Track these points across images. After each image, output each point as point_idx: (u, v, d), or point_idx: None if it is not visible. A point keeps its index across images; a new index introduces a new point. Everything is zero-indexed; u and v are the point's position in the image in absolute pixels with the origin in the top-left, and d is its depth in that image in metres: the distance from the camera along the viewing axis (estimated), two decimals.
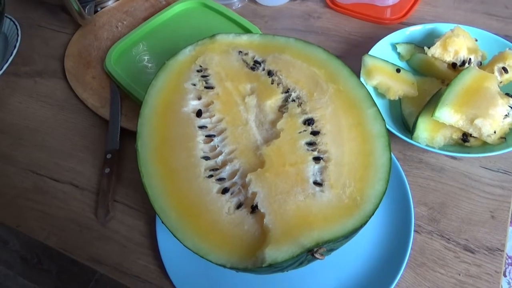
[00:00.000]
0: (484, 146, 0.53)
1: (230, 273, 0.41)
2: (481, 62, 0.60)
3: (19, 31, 0.75)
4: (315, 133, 0.44)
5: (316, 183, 0.41)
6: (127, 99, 0.65)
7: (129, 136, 0.61)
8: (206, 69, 0.51)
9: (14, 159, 0.63)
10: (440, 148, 0.53)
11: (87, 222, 0.55)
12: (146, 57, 0.70)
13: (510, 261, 0.90)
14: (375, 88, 0.61)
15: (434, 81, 0.61)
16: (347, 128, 0.43)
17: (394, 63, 0.63)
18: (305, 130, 0.44)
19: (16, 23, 0.76)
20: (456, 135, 0.54)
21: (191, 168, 0.43)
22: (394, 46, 0.65)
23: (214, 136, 0.45)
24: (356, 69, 0.60)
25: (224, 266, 0.38)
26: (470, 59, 0.59)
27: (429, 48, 0.60)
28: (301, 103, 0.46)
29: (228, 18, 0.73)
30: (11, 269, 1.36)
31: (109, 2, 0.83)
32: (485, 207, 0.51)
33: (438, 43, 0.60)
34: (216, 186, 0.42)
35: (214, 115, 0.47)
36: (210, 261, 0.38)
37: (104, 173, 0.57)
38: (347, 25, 0.75)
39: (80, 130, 0.65)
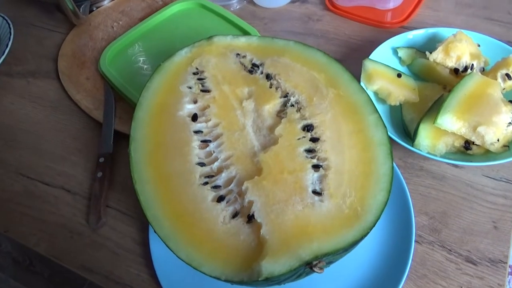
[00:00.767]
0: (487, 154, 0.52)
1: (225, 285, 0.40)
2: (483, 68, 0.59)
3: (11, 30, 0.73)
4: (314, 139, 0.42)
5: (315, 192, 0.39)
6: (121, 101, 0.64)
7: (123, 139, 0.60)
8: (202, 71, 0.50)
9: (5, 162, 0.61)
10: (441, 156, 0.52)
11: (79, 228, 0.53)
12: (142, 58, 0.68)
13: (511, 270, 0.89)
14: (376, 93, 0.59)
15: (435, 86, 0.60)
16: (347, 134, 0.42)
17: (395, 67, 0.61)
18: (304, 137, 0.42)
19: (9, 21, 0.75)
20: (458, 143, 0.53)
21: (185, 175, 0.41)
22: (395, 51, 0.64)
23: (210, 141, 0.44)
24: (355, 74, 0.58)
25: (219, 279, 0.36)
26: (472, 65, 0.58)
27: (431, 53, 0.59)
28: (300, 108, 0.45)
29: (226, 19, 0.72)
30: (3, 271, 1.34)
31: (105, 2, 0.82)
32: (487, 217, 0.50)
33: (440, 48, 0.59)
34: (211, 194, 0.40)
35: (210, 120, 0.45)
36: (204, 273, 0.36)
37: (96, 178, 0.56)
38: (347, 28, 0.74)
39: (73, 133, 0.63)
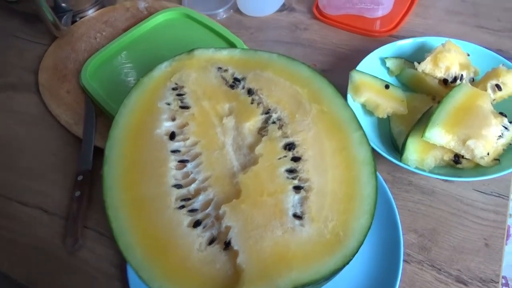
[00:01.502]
0: (477, 168, 0.51)
1: None
2: (473, 79, 0.58)
3: None
4: (296, 159, 0.40)
5: (296, 215, 0.37)
6: (102, 116, 0.62)
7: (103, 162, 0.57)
8: (182, 87, 0.48)
9: None
10: (430, 171, 0.50)
11: (55, 251, 0.51)
12: (125, 70, 0.66)
13: (504, 281, 0.87)
14: (363, 105, 0.58)
15: (424, 97, 0.59)
16: (330, 153, 0.40)
17: (383, 78, 0.60)
18: (285, 156, 0.41)
19: None
20: (448, 157, 0.51)
21: (160, 198, 0.39)
22: (383, 61, 0.62)
23: (188, 161, 0.42)
24: (343, 83, 0.57)
25: None
26: (462, 75, 0.57)
27: (419, 63, 0.58)
28: (282, 125, 0.43)
29: (211, 29, 0.70)
30: None
31: (89, 12, 0.80)
32: (478, 234, 0.48)
33: (428, 59, 0.57)
34: (187, 219, 0.38)
35: (188, 138, 0.44)
36: None
37: (74, 197, 0.54)
38: (334, 37, 0.72)
39: (52, 149, 0.61)
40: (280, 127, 0.43)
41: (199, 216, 0.39)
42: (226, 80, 0.49)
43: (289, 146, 0.41)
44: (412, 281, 0.46)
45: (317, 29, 0.74)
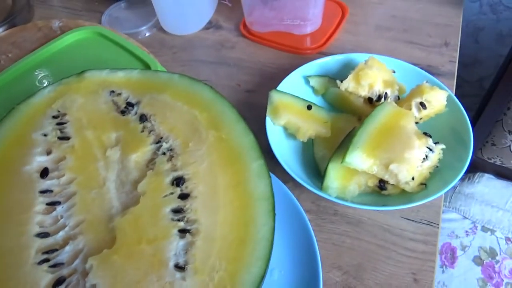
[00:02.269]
0: (404, 194, 0.47)
1: None
2: (398, 97, 0.54)
3: None
4: (183, 196, 0.34)
5: (177, 266, 0.31)
6: None
7: None
8: (64, 114, 0.41)
9: None
10: (353, 199, 0.46)
11: None
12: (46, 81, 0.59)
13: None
14: (284, 128, 0.53)
15: (350, 118, 0.55)
16: (223, 189, 0.35)
17: (308, 98, 0.56)
18: (172, 193, 0.35)
19: None
20: (372, 182, 0.47)
21: (18, 252, 0.32)
22: (307, 80, 0.58)
23: (59, 203, 0.35)
24: (266, 104, 0.52)
25: None
26: (386, 93, 0.53)
27: (341, 81, 0.54)
28: (172, 156, 0.37)
29: (125, 49, 0.64)
30: None
31: None
32: (406, 268, 0.44)
33: (350, 76, 0.53)
34: (47, 277, 0.31)
35: (63, 175, 0.37)
36: None
37: None
38: (261, 56, 0.68)
39: None
40: (170, 159, 0.37)
41: (65, 271, 0.32)
42: (118, 105, 0.42)
43: (177, 181, 0.35)
44: None
45: (243, 47, 0.70)
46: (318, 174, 0.51)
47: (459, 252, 0.81)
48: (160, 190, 0.35)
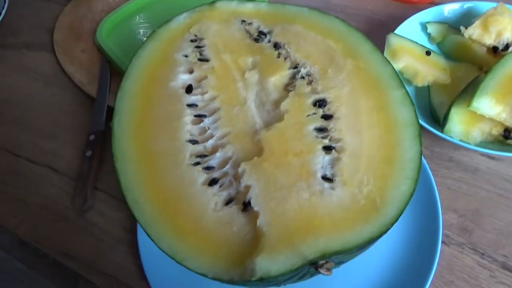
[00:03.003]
0: None
1: (215, 282, 0.34)
2: None
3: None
4: (327, 117, 0.36)
5: (325, 178, 0.33)
6: (117, 76, 0.58)
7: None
8: (201, 39, 0.44)
9: None
10: (476, 145, 0.45)
11: (63, 211, 0.48)
12: (142, 30, 0.63)
13: None
14: (400, 73, 0.52)
15: (470, 67, 0.53)
16: (367, 112, 0.35)
17: (424, 45, 0.54)
18: (315, 113, 0.36)
19: None
20: (497, 131, 0.45)
21: (173, 153, 0.35)
22: (424, 27, 0.57)
23: (205, 116, 0.38)
24: None
25: (206, 276, 0.30)
26: None
27: (466, 28, 0.52)
28: (312, 80, 0.38)
29: None
30: (8, 253, 1.32)
31: None
32: None
33: (477, 22, 0.51)
34: (202, 176, 0.34)
35: (206, 92, 0.39)
36: (188, 269, 0.30)
37: (85, 157, 0.50)
38: (369, 3, 0.66)
39: (64, 108, 0.58)
40: (310, 83, 0.38)
41: (215, 174, 0.35)
42: (250, 33, 0.44)
43: (320, 103, 0.36)
44: (451, 264, 0.41)
45: None
46: (433, 120, 0.50)
47: None
48: (303, 109, 0.36)
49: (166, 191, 0.34)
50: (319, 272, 0.29)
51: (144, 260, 0.42)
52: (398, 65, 0.51)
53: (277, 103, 0.38)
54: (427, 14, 0.56)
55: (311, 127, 0.35)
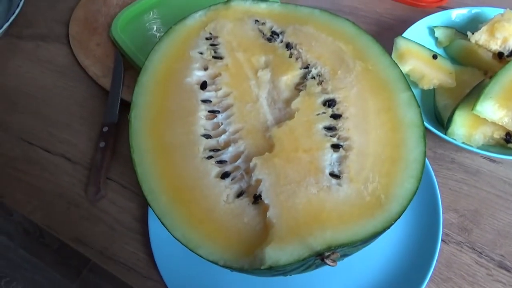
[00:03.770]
0: None
1: (225, 270, 0.36)
2: None
3: None
4: (336, 116, 0.37)
5: (333, 174, 0.34)
6: (131, 70, 0.60)
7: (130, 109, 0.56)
8: (216, 37, 0.45)
9: (6, 125, 0.58)
10: (478, 148, 0.46)
11: (76, 199, 0.50)
12: (156, 26, 0.64)
13: None
14: (407, 75, 0.54)
15: (475, 72, 0.54)
16: (374, 113, 0.37)
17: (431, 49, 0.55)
18: (324, 112, 0.37)
19: None
20: (498, 134, 0.47)
21: (188, 146, 0.37)
22: (431, 31, 0.58)
23: (219, 112, 0.40)
24: None
25: (217, 263, 0.32)
26: None
27: (473, 33, 0.53)
28: (322, 81, 0.40)
29: None
30: (13, 241, 1.34)
31: None
32: None
33: (484, 28, 0.52)
34: (215, 169, 0.36)
35: (220, 89, 0.41)
36: (201, 256, 0.32)
37: (98, 147, 0.52)
38: (378, 6, 0.67)
39: (78, 100, 0.60)
40: (320, 83, 0.40)
41: (228, 168, 0.36)
42: (263, 33, 0.45)
43: (329, 103, 0.38)
44: (449, 262, 0.42)
45: None
46: (437, 123, 0.51)
47: None
48: (313, 108, 0.38)
49: (180, 182, 0.35)
50: (325, 263, 0.31)
51: (155, 249, 0.43)
52: (405, 68, 0.52)
53: (288, 102, 0.39)
54: (435, 19, 0.58)
55: (321, 125, 0.37)
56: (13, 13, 0.66)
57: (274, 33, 0.45)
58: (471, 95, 0.48)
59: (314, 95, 0.39)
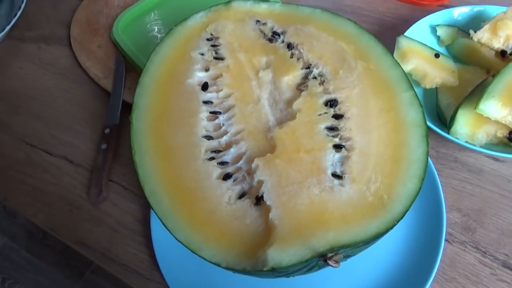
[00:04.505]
0: None
1: (228, 272, 0.36)
2: None
3: None
4: (337, 116, 0.37)
5: (335, 175, 0.34)
6: (132, 71, 0.60)
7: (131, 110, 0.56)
8: (217, 38, 0.45)
9: (9, 128, 0.58)
10: (481, 147, 0.46)
11: (78, 201, 0.50)
12: (157, 27, 0.64)
13: None
14: (409, 74, 0.53)
15: (478, 70, 0.54)
16: (376, 113, 0.37)
17: (433, 48, 0.55)
18: (326, 113, 0.37)
19: None
20: (501, 133, 0.46)
21: (189, 148, 0.37)
22: (433, 29, 0.57)
23: (220, 113, 0.39)
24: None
25: (219, 265, 0.32)
26: None
27: (475, 31, 0.53)
28: (324, 81, 0.40)
29: None
30: (16, 242, 1.35)
31: None
32: None
33: (486, 26, 0.52)
34: (217, 171, 0.36)
35: (221, 90, 0.41)
36: (203, 258, 0.32)
37: (100, 149, 0.52)
38: (380, 5, 0.67)
39: (80, 102, 0.60)
40: (322, 83, 0.39)
41: (229, 169, 0.36)
42: (264, 33, 0.45)
43: (331, 103, 0.38)
44: (453, 262, 0.42)
45: None
46: (440, 122, 0.51)
47: None
48: (315, 109, 0.38)
49: (182, 184, 0.35)
50: (328, 264, 0.30)
51: (157, 250, 0.43)
52: (407, 67, 0.52)
53: (289, 102, 0.39)
54: (437, 17, 0.57)
55: (322, 126, 0.37)
56: (15, 15, 0.66)
57: (275, 34, 0.45)
58: (473, 93, 0.48)
59: (316, 95, 0.38)
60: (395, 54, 0.53)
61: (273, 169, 0.34)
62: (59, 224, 0.49)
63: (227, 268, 0.32)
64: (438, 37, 0.57)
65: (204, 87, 0.41)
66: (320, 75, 0.40)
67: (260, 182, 0.34)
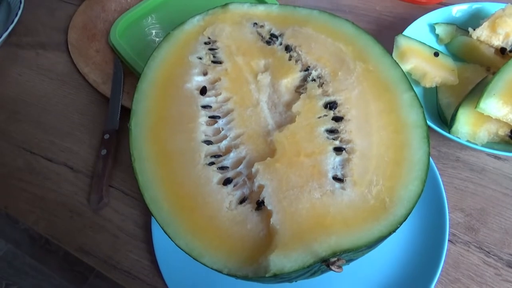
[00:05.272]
0: None
1: (229, 277, 0.35)
2: None
3: None
4: (337, 119, 0.37)
5: (336, 178, 0.34)
6: (130, 76, 0.60)
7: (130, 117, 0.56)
8: (215, 41, 0.45)
9: (8, 135, 0.58)
10: (483, 145, 0.45)
11: (79, 208, 0.50)
12: (154, 31, 0.64)
13: None
14: (409, 74, 0.53)
15: (477, 68, 0.53)
16: (376, 114, 0.36)
17: (432, 46, 0.55)
18: (325, 115, 0.37)
19: None
20: (503, 131, 0.46)
21: (189, 153, 0.37)
22: (432, 28, 0.57)
23: (219, 117, 0.39)
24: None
25: (221, 272, 0.31)
26: None
27: (474, 29, 0.52)
28: (323, 83, 0.39)
29: None
30: (19, 248, 1.35)
31: None
32: None
33: (485, 24, 0.51)
34: (217, 176, 0.35)
35: (220, 94, 0.41)
36: (205, 265, 0.32)
37: (100, 155, 0.52)
38: (378, 4, 0.67)
39: (79, 107, 0.60)
40: (321, 85, 0.39)
41: (229, 174, 0.36)
42: (262, 36, 0.45)
43: (330, 105, 0.37)
44: (457, 262, 0.42)
45: None
46: (440, 121, 0.50)
47: None
48: (314, 111, 0.37)
49: (182, 190, 0.35)
50: (331, 269, 0.30)
51: (159, 256, 0.43)
52: (406, 66, 0.52)
53: (289, 105, 0.39)
54: (436, 15, 0.57)
55: (322, 128, 0.36)
56: (12, 22, 0.66)
57: (273, 36, 0.45)
58: (474, 92, 0.48)
59: (315, 97, 0.38)
60: (394, 54, 0.52)
61: (273, 174, 0.34)
62: (60, 231, 0.49)
63: (229, 275, 0.31)
64: (437, 36, 0.57)
65: (203, 91, 0.41)
66: (319, 77, 0.40)
67: (261, 187, 0.34)
